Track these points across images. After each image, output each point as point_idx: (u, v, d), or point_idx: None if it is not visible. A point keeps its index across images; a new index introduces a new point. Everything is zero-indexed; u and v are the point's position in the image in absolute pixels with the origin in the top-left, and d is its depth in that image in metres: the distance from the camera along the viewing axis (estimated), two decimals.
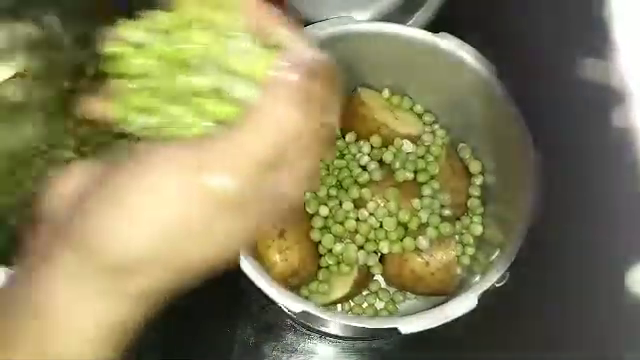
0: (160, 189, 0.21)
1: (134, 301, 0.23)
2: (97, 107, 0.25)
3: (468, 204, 0.49)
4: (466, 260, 0.47)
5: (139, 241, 0.21)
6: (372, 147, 0.49)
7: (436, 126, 0.51)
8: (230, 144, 0.21)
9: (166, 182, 0.21)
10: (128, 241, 0.21)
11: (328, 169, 0.48)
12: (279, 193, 0.23)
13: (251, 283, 0.40)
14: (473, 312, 0.39)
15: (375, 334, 0.53)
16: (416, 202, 0.47)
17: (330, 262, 0.46)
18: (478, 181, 0.50)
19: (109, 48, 0.24)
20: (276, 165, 0.22)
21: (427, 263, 0.46)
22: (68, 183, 0.24)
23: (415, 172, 0.48)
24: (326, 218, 0.47)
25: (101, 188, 0.22)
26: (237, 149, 0.21)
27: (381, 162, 0.49)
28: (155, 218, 0.21)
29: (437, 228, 0.46)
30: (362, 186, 0.47)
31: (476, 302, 0.39)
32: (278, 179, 0.22)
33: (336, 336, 0.53)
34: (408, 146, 0.49)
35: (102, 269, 0.22)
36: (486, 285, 0.40)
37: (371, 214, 0.46)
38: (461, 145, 0.51)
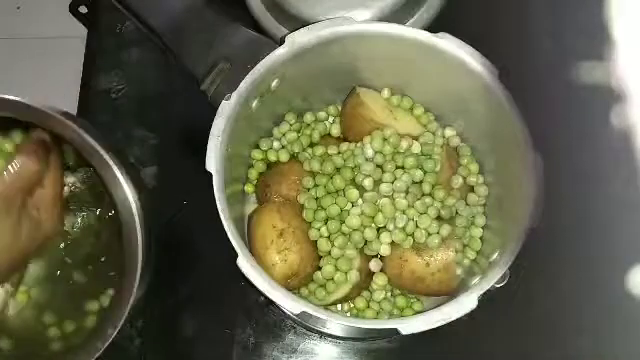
0: None
1: None
2: None
3: (468, 204, 0.49)
4: (466, 261, 0.47)
5: None
6: (371, 147, 0.49)
7: (436, 126, 0.51)
8: None
9: None
10: None
11: (327, 169, 0.48)
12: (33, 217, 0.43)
13: (251, 283, 0.40)
14: (474, 312, 0.39)
15: (375, 334, 0.53)
16: (416, 202, 0.47)
17: (329, 263, 0.46)
18: (478, 181, 0.50)
19: None
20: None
21: (427, 264, 0.46)
22: None
23: (415, 172, 0.48)
24: (325, 219, 0.47)
25: None
26: None
27: (380, 162, 0.48)
28: None
29: (437, 229, 0.46)
30: (361, 186, 0.47)
31: (476, 302, 0.39)
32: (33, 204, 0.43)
33: (336, 336, 0.53)
34: (415, 146, 0.49)
35: None
36: (486, 285, 0.40)
37: (370, 215, 0.46)
38: (461, 145, 0.51)
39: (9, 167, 0.41)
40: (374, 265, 0.48)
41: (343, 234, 0.46)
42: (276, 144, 0.51)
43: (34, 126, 0.43)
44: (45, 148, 0.43)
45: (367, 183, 0.47)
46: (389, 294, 0.49)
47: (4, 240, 0.41)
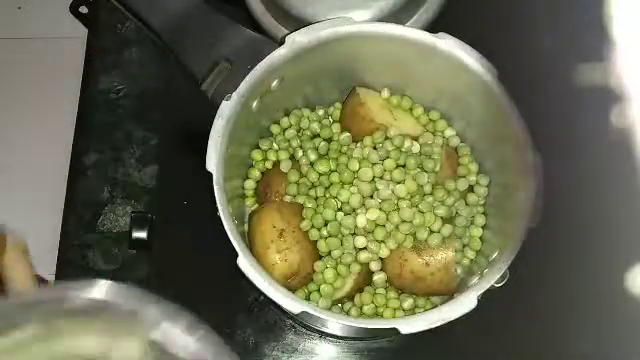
0: None
1: None
2: None
3: (468, 204, 0.49)
4: (466, 260, 0.47)
5: None
6: (370, 147, 0.49)
7: (436, 126, 0.51)
8: None
9: None
10: None
11: (326, 169, 0.48)
12: None
13: (251, 283, 0.40)
14: (473, 312, 0.39)
15: (375, 334, 0.53)
16: (415, 202, 0.47)
17: (329, 263, 0.46)
18: (478, 181, 0.50)
19: None
20: None
21: (427, 264, 0.46)
22: None
23: (415, 172, 0.48)
24: (325, 220, 0.47)
25: None
26: None
27: (380, 162, 0.48)
28: None
29: (437, 228, 0.46)
30: (360, 187, 0.47)
31: (476, 302, 0.39)
32: None
33: (336, 336, 0.53)
34: (415, 146, 0.49)
35: None
36: (486, 285, 0.40)
37: (370, 215, 0.46)
38: (461, 145, 0.51)
39: None
40: (374, 265, 0.48)
41: (343, 235, 0.46)
42: (276, 144, 0.51)
43: None
44: None
45: (366, 184, 0.47)
46: (389, 294, 0.49)
47: None
